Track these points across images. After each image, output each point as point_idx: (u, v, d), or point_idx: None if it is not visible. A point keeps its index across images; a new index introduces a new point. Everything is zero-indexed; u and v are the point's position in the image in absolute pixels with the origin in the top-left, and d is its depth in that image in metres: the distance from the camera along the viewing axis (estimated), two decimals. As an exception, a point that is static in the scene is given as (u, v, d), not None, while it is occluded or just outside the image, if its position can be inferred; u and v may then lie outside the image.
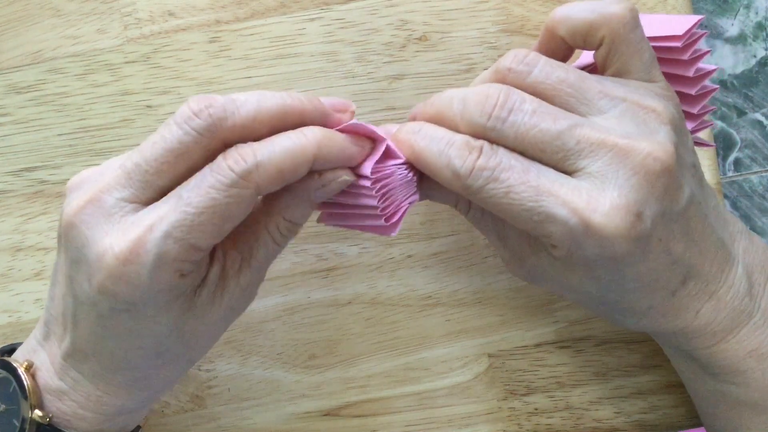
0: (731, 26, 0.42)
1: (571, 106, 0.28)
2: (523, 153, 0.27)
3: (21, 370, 0.29)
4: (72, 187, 0.28)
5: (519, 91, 0.28)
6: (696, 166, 0.30)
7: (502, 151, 0.27)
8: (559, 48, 0.31)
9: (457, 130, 0.28)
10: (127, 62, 0.37)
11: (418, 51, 0.38)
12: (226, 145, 0.26)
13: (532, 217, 0.26)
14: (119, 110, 0.37)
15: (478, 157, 0.27)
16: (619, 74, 0.30)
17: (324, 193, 0.28)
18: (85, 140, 0.38)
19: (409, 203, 0.30)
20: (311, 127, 0.27)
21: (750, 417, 0.31)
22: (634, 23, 0.29)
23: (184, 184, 0.26)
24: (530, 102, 0.27)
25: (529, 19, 0.38)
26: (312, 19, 0.37)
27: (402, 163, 0.29)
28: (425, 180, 0.30)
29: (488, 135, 0.27)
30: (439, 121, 0.29)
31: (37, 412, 0.29)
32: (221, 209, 0.25)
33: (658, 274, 0.28)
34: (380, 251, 0.38)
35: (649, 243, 0.27)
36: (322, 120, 0.28)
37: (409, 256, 0.38)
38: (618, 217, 0.26)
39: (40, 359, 0.30)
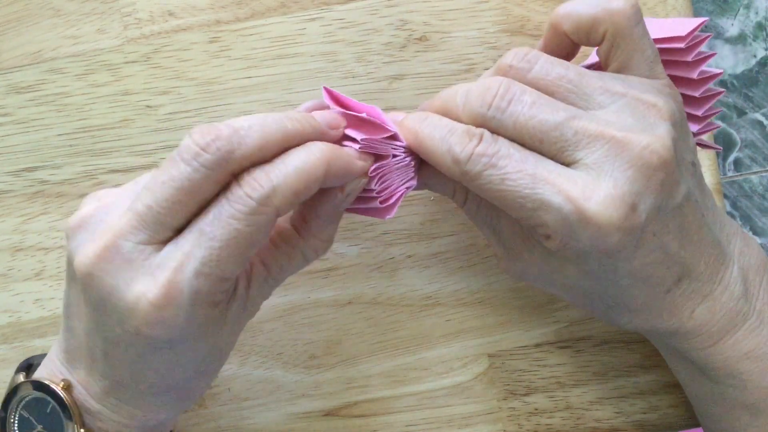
0: (731, 26, 0.42)
1: (571, 102, 0.28)
2: (522, 144, 0.28)
3: (59, 390, 0.29)
4: (75, 228, 0.28)
5: (519, 83, 0.28)
6: (695, 165, 0.30)
7: (502, 140, 0.28)
8: (564, 45, 0.31)
9: (459, 121, 0.29)
10: (127, 62, 0.37)
11: (418, 51, 0.38)
12: (233, 175, 0.26)
13: (527, 205, 0.27)
14: (119, 110, 0.37)
15: (478, 143, 0.27)
16: (621, 70, 0.30)
17: (348, 203, 0.29)
18: (85, 140, 0.38)
19: (407, 188, 0.30)
20: (318, 144, 0.27)
21: (747, 419, 0.31)
22: (637, 18, 0.29)
23: (202, 217, 0.25)
24: (530, 94, 0.27)
25: (529, 19, 0.38)
26: (312, 19, 0.37)
27: (400, 146, 0.29)
28: (425, 168, 0.31)
29: (488, 124, 0.28)
30: (443, 112, 0.30)
31: (83, 431, 0.29)
32: (245, 238, 0.25)
33: (653, 270, 0.28)
34: (380, 251, 0.38)
35: (642, 236, 0.27)
36: (320, 139, 0.28)
37: (409, 256, 0.38)
38: (612, 207, 0.26)
39: (73, 381, 0.29)
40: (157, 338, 0.26)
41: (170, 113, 0.37)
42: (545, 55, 0.29)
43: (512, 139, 0.28)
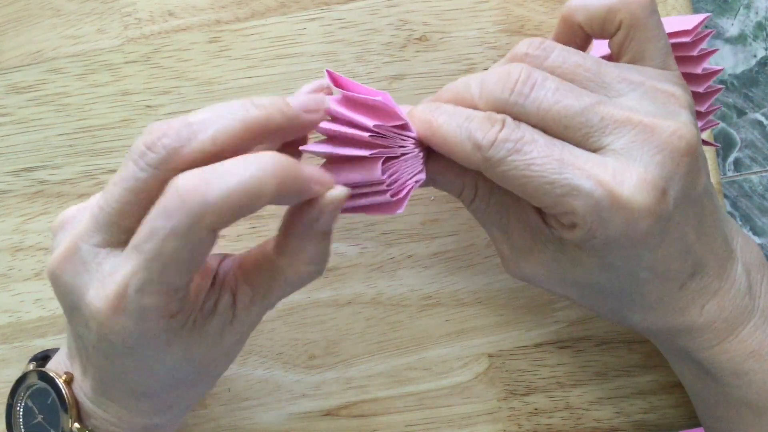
0: (731, 26, 0.42)
1: (590, 90, 0.27)
2: (545, 130, 0.27)
3: (60, 383, 0.29)
4: (56, 227, 0.28)
5: (539, 69, 0.27)
6: (706, 159, 0.30)
7: (525, 125, 0.27)
8: (576, 37, 0.31)
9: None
10: (127, 62, 0.37)
11: (418, 51, 0.38)
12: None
13: (555, 191, 0.26)
14: (119, 110, 0.37)
15: (501, 129, 0.26)
16: (634, 61, 0.29)
17: (328, 220, 0.27)
18: (85, 140, 0.38)
19: (415, 182, 0.29)
20: (273, 159, 0.24)
21: (751, 418, 0.31)
22: (653, 8, 0.29)
23: (140, 230, 0.24)
24: (552, 80, 0.27)
25: (529, 19, 0.38)
26: (312, 19, 0.37)
27: (410, 136, 0.28)
28: (433, 164, 0.30)
29: (510, 110, 0.27)
30: (455, 103, 0.29)
31: (77, 425, 0.29)
32: (183, 254, 0.24)
33: (671, 262, 0.28)
34: (380, 251, 0.38)
35: (668, 224, 0.27)
36: (292, 125, 0.26)
37: (409, 256, 0.38)
38: (645, 191, 0.26)
39: (74, 375, 0.30)
40: (115, 343, 0.26)
41: (170, 113, 0.37)
42: (560, 44, 0.28)
43: (535, 126, 0.27)
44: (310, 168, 0.26)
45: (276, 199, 0.24)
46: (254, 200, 0.23)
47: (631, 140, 0.26)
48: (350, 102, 0.29)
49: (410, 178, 0.29)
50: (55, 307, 0.38)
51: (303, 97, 0.27)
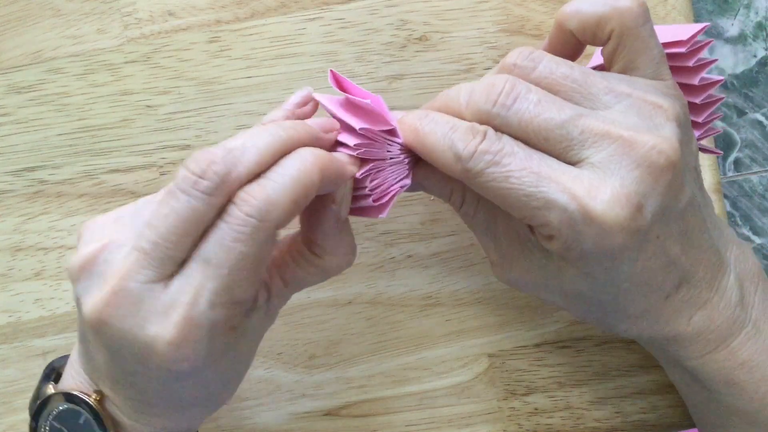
0: (731, 26, 0.42)
1: (576, 101, 0.28)
2: (526, 142, 0.27)
3: (93, 402, 0.28)
4: (79, 271, 0.27)
5: (525, 81, 0.28)
6: (697, 170, 0.30)
7: (506, 137, 0.27)
8: (569, 44, 0.31)
9: (462, 119, 0.28)
10: (127, 62, 0.37)
11: (418, 51, 0.38)
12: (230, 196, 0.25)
13: (531, 203, 0.26)
14: (119, 110, 0.37)
15: (482, 141, 0.27)
16: (626, 70, 0.29)
17: (345, 211, 0.29)
18: (85, 140, 0.38)
19: (400, 187, 0.29)
20: (309, 150, 0.26)
21: (743, 427, 0.31)
22: (644, 18, 0.29)
23: (204, 244, 0.25)
24: (535, 92, 0.27)
25: (529, 19, 0.38)
26: (312, 19, 0.37)
27: (397, 142, 0.29)
28: (421, 169, 0.30)
29: (493, 122, 0.27)
30: (445, 111, 0.29)
31: None
32: (252, 258, 0.25)
33: (653, 274, 0.28)
34: (380, 251, 0.38)
35: (646, 239, 0.27)
36: (316, 144, 0.28)
37: (409, 256, 0.38)
38: (618, 206, 0.26)
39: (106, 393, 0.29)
40: (180, 371, 0.26)
41: (170, 113, 0.37)
42: (549, 54, 0.28)
43: (517, 138, 0.27)
44: (337, 153, 0.28)
45: (323, 183, 0.26)
46: (309, 189, 0.26)
47: (610, 154, 0.26)
48: (348, 104, 0.29)
49: (395, 183, 0.29)
50: (55, 307, 0.38)
51: (319, 120, 0.29)
